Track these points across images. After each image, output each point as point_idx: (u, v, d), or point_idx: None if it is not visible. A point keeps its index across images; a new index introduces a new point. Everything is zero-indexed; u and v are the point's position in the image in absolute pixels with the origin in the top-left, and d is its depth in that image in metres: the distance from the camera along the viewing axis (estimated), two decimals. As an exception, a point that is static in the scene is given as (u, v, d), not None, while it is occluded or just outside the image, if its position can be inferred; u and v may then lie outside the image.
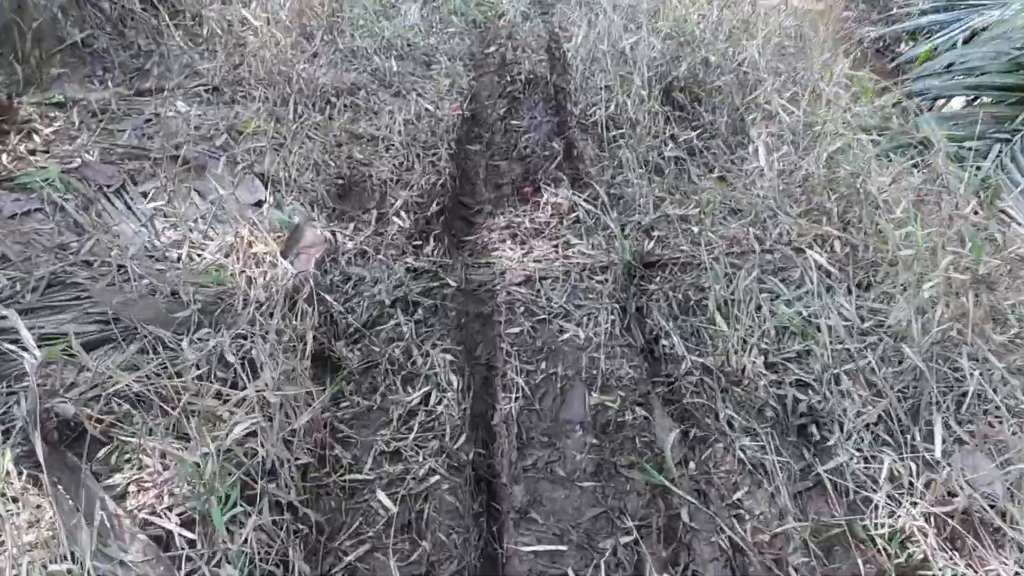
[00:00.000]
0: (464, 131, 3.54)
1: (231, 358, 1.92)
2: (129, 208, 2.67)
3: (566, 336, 2.27)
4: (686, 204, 2.76)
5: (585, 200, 2.85)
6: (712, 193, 2.74)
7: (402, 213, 2.77)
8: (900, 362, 2.08)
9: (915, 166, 3.19)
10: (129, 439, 1.73)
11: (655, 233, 2.70)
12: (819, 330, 2.19)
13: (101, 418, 1.71)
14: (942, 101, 4.55)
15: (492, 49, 4.32)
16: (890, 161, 3.10)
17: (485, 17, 4.88)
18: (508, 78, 3.93)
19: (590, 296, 2.41)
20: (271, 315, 2.14)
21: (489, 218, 2.93)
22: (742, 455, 1.92)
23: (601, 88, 3.72)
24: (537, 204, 2.92)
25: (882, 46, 6.46)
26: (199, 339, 2.02)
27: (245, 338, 2.04)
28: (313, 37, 3.95)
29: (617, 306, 2.37)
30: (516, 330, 2.30)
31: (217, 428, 1.77)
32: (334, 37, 3.89)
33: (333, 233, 2.68)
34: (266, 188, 2.87)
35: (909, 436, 1.90)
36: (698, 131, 3.44)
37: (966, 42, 4.75)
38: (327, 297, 2.29)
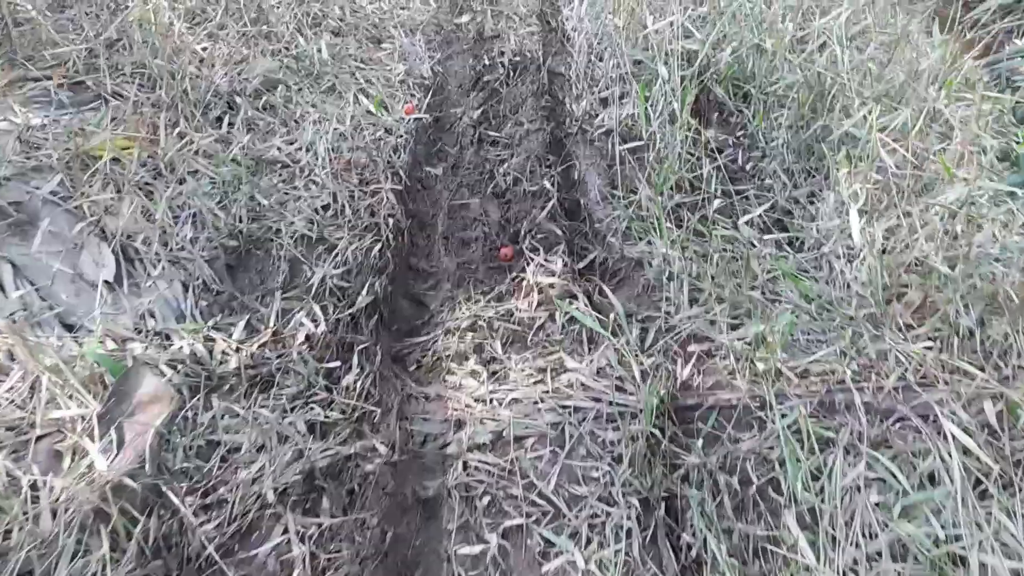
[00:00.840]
0: (422, 146, 2.56)
1: None
2: None
3: (556, 563, 1.42)
4: (738, 305, 1.84)
5: (586, 281, 1.94)
6: (784, 291, 1.82)
7: (315, 309, 1.85)
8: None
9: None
10: None
11: (692, 348, 1.80)
12: (966, 568, 1.35)
13: None
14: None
15: (465, 19, 3.23)
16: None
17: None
18: (486, 61, 2.90)
19: (594, 477, 1.54)
20: (58, 560, 1.28)
21: (448, 304, 2.01)
22: None
23: (613, 78, 2.73)
24: (519, 285, 2.00)
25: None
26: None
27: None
28: (218, 2, 2.87)
29: (636, 500, 1.51)
30: (475, 551, 1.44)
31: None
32: (243, 5, 2.81)
33: (210, 343, 1.78)
34: (119, 260, 1.95)
35: None
36: (743, 147, 2.50)
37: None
38: (172, 497, 1.42)
